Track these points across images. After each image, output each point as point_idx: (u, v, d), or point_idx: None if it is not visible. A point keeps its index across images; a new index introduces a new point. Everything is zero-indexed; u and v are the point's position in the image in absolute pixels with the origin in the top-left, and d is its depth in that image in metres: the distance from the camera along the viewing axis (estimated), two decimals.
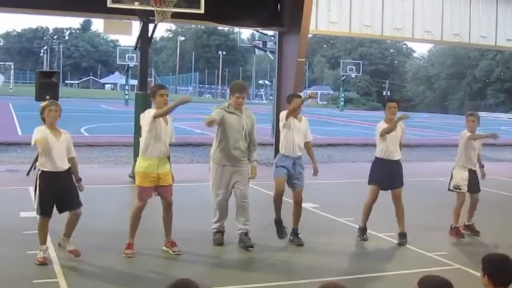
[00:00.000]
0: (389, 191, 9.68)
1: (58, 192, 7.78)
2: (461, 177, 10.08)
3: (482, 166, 10.36)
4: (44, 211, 7.83)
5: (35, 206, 7.92)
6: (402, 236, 9.58)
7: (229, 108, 8.97)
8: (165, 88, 8.75)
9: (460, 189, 10.08)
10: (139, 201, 8.43)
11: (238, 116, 8.93)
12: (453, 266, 8.33)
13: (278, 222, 9.40)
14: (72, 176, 7.99)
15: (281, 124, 9.32)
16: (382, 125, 9.57)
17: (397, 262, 8.84)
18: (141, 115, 8.61)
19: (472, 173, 10.15)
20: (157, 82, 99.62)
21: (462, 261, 8.57)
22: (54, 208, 7.89)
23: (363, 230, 9.72)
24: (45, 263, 7.71)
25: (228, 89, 9.23)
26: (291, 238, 9.39)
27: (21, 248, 8.43)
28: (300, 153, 9.33)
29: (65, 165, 7.88)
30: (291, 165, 9.23)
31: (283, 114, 9.38)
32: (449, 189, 10.28)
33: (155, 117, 8.20)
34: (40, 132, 7.78)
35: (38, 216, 7.91)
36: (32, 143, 7.84)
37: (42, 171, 7.79)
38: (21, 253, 8.22)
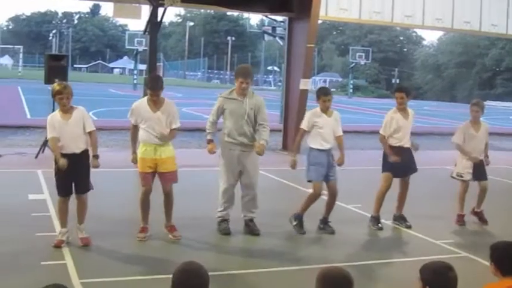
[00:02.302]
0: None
1: (71, 173, 7.77)
2: (465, 165, 10.03)
3: (487, 156, 10.29)
4: (59, 191, 7.92)
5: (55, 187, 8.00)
6: (404, 218, 9.72)
7: (231, 95, 8.91)
8: (155, 90, 8.38)
9: (462, 177, 10.03)
10: (142, 186, 8.45)
11: (240, 102, 8.83)
12: (460, 254, 8.33)
13: (301, 219, 9.24)
14: (87, 159, 7.94)
15: (304, 125, 9.17)
16: (393, 114, 9.55)
17: (404, 249, 8.86)
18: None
19: (478, 162, 10.11)
20: (166, 67, 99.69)
21: (469, 249, 8.55)
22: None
23: (376, 219, 9.66)
24: (59, 246, 7.74)
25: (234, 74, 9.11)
26: (321, 226, 9.33)
27: (29, 230, 8.47)
28: (330, 146, 9.20)
29: (78, 148, 7.85)
30: (325, 160, 9.08)
31: (307, 114, 9.29)
32: (451, 177, 10.25)
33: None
34: (51, 124, 7.80)
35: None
36: (48, 137, 7.93)
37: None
38: (30, 235, 8.26)
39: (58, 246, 7.74)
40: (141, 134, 8.41)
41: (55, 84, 8.05)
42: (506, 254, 4.22)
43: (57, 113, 7.89)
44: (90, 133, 7.99)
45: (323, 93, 9.21)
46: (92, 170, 8.12)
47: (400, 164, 9.50)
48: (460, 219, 10.05)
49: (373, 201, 9.72)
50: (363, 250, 8.75)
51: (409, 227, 9.61)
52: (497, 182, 13.50)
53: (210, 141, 8.96)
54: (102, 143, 18.11)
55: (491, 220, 10.23)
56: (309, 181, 9.21)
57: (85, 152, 7.93)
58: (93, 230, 8.18)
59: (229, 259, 7.95)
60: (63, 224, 7.94)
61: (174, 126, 8.46)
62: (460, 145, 10.03)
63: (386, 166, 9.65)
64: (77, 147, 7.84)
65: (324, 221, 9.37)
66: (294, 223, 9.13)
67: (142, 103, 8.50)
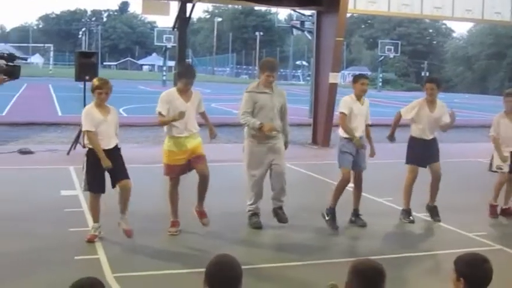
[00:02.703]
0: (427, 168, 9.61)
1: (105, 169, 7.84)
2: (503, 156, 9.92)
3: None
4: (91, 187, 7.93)
5: (82, 183, 8.02)
6: (436, 211, 9.65)
7: (259, 88, 8.87)
8: (187, 78, 8.43)
9: (502, 169, 9.91)
10: (170, 179, 8.47)
11: (270, 95, 8.82)
12: (494, 246, 8.24)
13: (334, 212, 9.11)
14: (118, 150, 8.01)
15: (345, 111, 9.08)
16: (416, 104, 9.48)
17: (437, 242, 8.79)
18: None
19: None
20: (195, 63, 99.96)
21: (503, 241, 8.48)
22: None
23: (407, 212, 9.57)
24: (92, 240, 7.80)
25: (258, 67, 9.07)
26: (353, 219, 9.33)
27: (62, 225, 8.57)
28: (362, 135, 9.18)
29: (112, 144, 7.92)
30: (354, 148, 9.05)
31: (344, 99, 9.23)
32: (491, 170, 10.13)
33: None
34: (89, 118, 7.84)
35: (89, 193, 8.02)
36: (83, 129, 7.96)
37: (90, 149, 7.86)
38: (63, 230, 8.36)
39: (91, 240, 7.80)
40: (169, 127, 8.34)
41: (95, 79, 8.12)
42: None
43: (94, 108, 7.90)
44: (203, 112, 8.46)
45: (363, 76, 9.26)
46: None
47: (422, 154, 9.46)
48: (493, 211, 9.94)
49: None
50: (394, 243, 8.69)
51: (438, 221, 9.53)
52: None
53: (261, 124, 8.70)
54: (132, 139, 18.27)
55: None
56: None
57: (116, 147, 8.01)
58: None
59: (260, 252, 7.95)
60: (96, 219, 8.01)
61: (203, 109, 8.63)
62: (495, 138, 9.91)
63: (410, 157, 9.60)
64: (110, 143, 7.91)
65: (355, 214, 9.35)
66: (327, 218, 9.05)
67: (173, 93, 8.44)
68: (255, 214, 9.01)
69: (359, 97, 9.14)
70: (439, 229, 9.30)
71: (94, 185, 7.91)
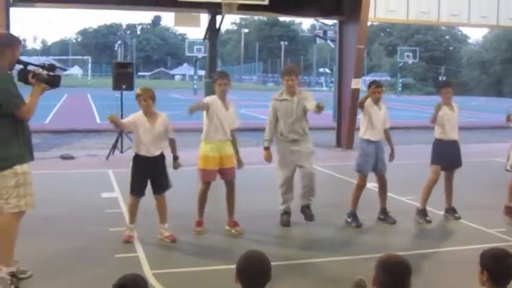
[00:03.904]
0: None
1: (148, 175, 7.87)
2: None
3: None
4: (133, 190, 7.93)
5: (129, 185, 8.00)
6: (454, 210, 9.55)
7: (282, 96, 8.86)
8: (226, 77, 8.54)
9: None
10: (203, 183, 8.46)
11: (290, 101, 8.77)
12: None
13: (355, 215, 9.11)
14: (163, 159, 7.96)
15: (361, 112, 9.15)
16: (438, 107, 9.38)
17: (458, 238, 8.68)
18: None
19: None
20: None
21: None
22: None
23: (423, 212, 9.42)
24: (129, 241, 7.82)
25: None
26: (382, 217, 9.31)
27: (104, 225, 8.62)
28: (380, 138, 9.16)
29: (157, 152, 7.88)
30: (373, 151, 9.06)
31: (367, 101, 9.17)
32: (506, 170, 10.00)
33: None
34: (134, 117, 7.89)
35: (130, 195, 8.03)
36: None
37: (136, 154, 7.88)
38: (104, 230, 8.41)
39: (127, 241, 7.82)
40: (207, 130, 8.37)
41: (138, 90, 8.09)
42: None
43: (143, 115, 7.87)
44: (171, 139, 8.07)
45: (376, 85, 9.13)
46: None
47: (447, 157, 9.37)
48: (509, 211, 9.78)
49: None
50: (417, 239, 8.63)
51: (458, 219, 9.43)
52: None
53: (266, 149, 8.95)
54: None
55: None
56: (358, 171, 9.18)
57: (162, 154, 7.99)
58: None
59: (288, 249, 7.90)
60: (132, 220, 8.01)
61: (236, 126, 8.61)
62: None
63: (435, 159, 9.48)
64: (156, 151, 7.87)
65: (384, 212, 9.31)
66: (349, 220, 9.07)
67: (215, 100, 8.42)
68: (285, 213, 9.01)
69: (375, 102, 9.10)
70: (460, 226, 9.20)
71: (136, 188, 7.92)
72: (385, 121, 9.22)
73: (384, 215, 9.30)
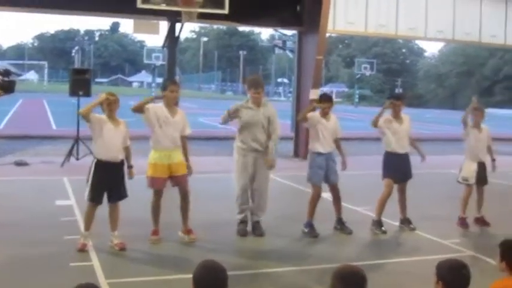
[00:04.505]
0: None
1: (108, 182, 7.80)
2: (470, 169, 9.93)
3: (494, 160, 10.24)
4: (92, 197, 7.81)
5: (86, 192, 7.86)
6: (409, 221, 9.64)
7: (247, 104, 8.91)
8: (177, 85, 8.62)
9: (468, 181, 9.93)
10: (154, 194, 8.40)
11: (255, 111, 8.83)
12: (466, 252, 8.25)
13: (312, 225, 9.13)
14: (123, 168, 7.93)
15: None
16: (387, 120, 9.52)
17: (413, 249, 8.76)
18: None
19: (481, 166, 10.01)
20: (182, 80, 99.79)
21: (475, 248, 8.50)
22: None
23: (379, 223, 9.49)
24: (83, 249, 7.71)
25: (245, 86, 9.16)
26: (338, 227, 9.35)
27: (58, 233, 8.49)
28: (330, 150, 9.23)
29: (119, 157, 7.85)
30: (324, 162, 9.13)
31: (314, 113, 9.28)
32: (457, 181, 10.16)
33: (133, 110, 8.25)
34: (97, 118, 7.77)
35: (87, 202, 7.90)
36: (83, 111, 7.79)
37: (98, 160, 7.79)
38: (59, 238, 8.28)
39: (82, 249, 7.71)
40: (154, 139, 8.32)
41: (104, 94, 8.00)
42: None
43: (106, 118, 7.82)
44: (127, 147, 8.06)
45: (324, 100, 9.30)
46: None
47: (398, 169, 9.48)
48: (463, 222, 9.91)
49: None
50: (373, 250, 8.68)
51: (413, 230, 9.54)
52: (500, 185, 13.43)
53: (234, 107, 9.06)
54: None
55: (494, 222, 10.10)
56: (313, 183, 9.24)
57: (122, 162, 7.94)
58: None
59: (244, 259, 7.91)
60: (88, 227, 7.89)
61: (186, 133, 8.55)
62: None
63: (386, 172, 9.57)
64: (118, 156, 7.84)
65: (340, 222, 9.37)
66: (306, 230, 9.10)
67: (160, 107, 8.40)
68: (242, 222, 9.02)
69: (323, 116, 9.19)
70: (415, 237, 9.30)
71: (95, 196, 7.82)
72: (335, 132, 9.29)
73: (341, 225, 9.35)
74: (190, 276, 3.57)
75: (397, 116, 9.53)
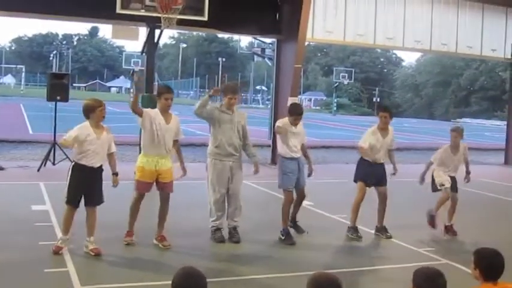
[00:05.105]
0: (374, 189, 9.72)
1: (87, 186, 7.76)
2: (443, 177, 9.99)
3: (469, 172, 10.32)
4: (70, 200, 7.76)
5: (65, 195, 7.81)
6: (385, 229, 9.69)
7: (221, 108, 8.98)
8: (171, 91, 8.69)
9: (444, 185, 9.95)
10: (137, 194, 8.44)
11: (230, 115, 8.93)
12: (441, 261, 8.31)
13: (288, 232, 9.20)
14: (102, 174, 7.89)
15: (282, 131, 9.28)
16: (372, 132, 9.58)
17: (389, 257, 8.81)
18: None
19: (452, 178, 10.07)
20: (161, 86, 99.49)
21: (449, 256, 8.55)
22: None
23: (354, 229, 9.57)
24: (57, 252, 7.66)
25: (221, 91, 9.21)
26: (291, 225, 9.43)
27: (33, 239, 8.41)
28: (299, 155, 9.32)
29: (99, 163, 7.81)
30: (296, 166, 9.21)
31: (281, 121, 9.33)
32: (433, 191, 10.17)
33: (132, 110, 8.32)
34: (80, 129, 7.68)
35: (65, 206, 7.84)
36: (66, 137, 7.68)
37: (76, 163, 7.74)
38: (33, 243, 8.20)
39: (57, 252, 7.67)
40: (145, 144, 8.41)
41: (89, 100, 7.98)
42: (491, 261, 4.24)
43: (89, 126, 7.74)
44: (112, 154, 8.03)
45: (295, 114, 9.27)
46: None
47: (370, 173, 9.55)
48: (432, 221, 9.95)
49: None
50: (349, 257, 8.69)
51: (389, 238, 9.60)
52: (473, 194, 13.57)
53: (209, 91, 9.19)
54: None
55: (467, 229, 10.25)
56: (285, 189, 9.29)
57: (101, 167, 7.90)
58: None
59: (222, 265, 7.88)
60: (66, 232, 7.84)
61: (179, 138, 8.75)
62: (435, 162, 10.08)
63: (358, 175, 9.68)
64: (98, 162, 7.80)
65: (294, 222, 9.52)
66: (283, 237, 9.12)
67: (156, 113, 8.46)
68: (218, 229, 8.99)
69: (293, 124, 9.24)
70: (391, 245, 9.36)
71: (73, 199, 7.77)
72: (302, 138, 9.39)
73: (294, 225, 9.49)
74: (168, 282, 3.57)
75: (384, 127, 9.59)
